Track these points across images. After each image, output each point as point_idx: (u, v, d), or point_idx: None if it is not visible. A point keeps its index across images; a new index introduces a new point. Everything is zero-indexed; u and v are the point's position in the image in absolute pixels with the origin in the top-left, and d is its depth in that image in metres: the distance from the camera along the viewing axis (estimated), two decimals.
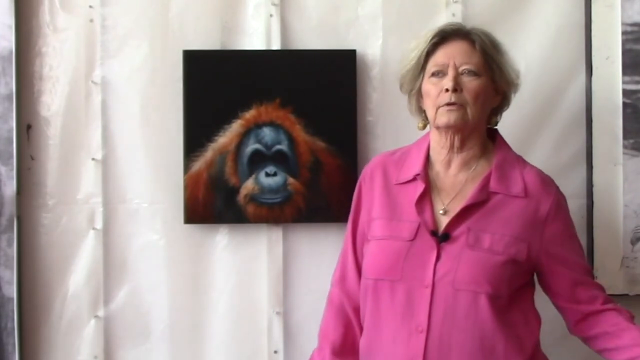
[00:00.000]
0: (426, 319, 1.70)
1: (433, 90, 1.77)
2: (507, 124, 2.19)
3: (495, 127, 1.89)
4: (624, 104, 2.21)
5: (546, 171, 2.21)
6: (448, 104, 1.74)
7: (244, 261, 2.25)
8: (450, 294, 1.69)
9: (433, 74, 1.78)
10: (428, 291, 1.71)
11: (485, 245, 1.72)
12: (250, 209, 2.20)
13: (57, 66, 2.24)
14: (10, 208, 2.18)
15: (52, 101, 2.24)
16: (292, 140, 2.20)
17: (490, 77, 1.78)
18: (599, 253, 2.21)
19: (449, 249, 1.73)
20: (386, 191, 1.85)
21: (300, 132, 2.20)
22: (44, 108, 2.24)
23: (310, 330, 2.21)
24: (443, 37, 1.80)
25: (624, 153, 2.21)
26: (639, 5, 2.21)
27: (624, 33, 2.21)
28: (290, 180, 2.20)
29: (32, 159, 2.24)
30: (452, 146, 1.80)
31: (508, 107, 1.90)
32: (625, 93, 2.21)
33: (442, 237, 1.74)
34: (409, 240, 1.76)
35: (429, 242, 1.74)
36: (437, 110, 1.77)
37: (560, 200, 1.80)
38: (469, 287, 1.69)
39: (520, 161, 1.84)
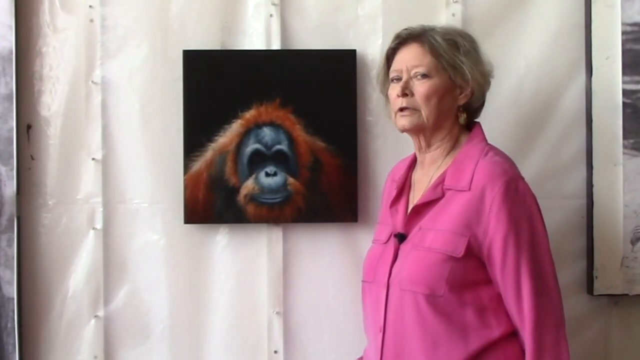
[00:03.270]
0: (382, 319, 1.75)
1: (392, 95, 1.83)
2: (507, 124, 2.21)
3: (477, 121, 1.86)
4: (624, 104, 2.21)
5: (546, 171, 2.22)
6: (400, 109, 1.79)
7: (244, 261, 2.25)
8: (398, 294, 1.72)
9: (392, 80, 1.83)
10: (384, 292, 1.75)
11: (426, 244, 1.70)
12: (250, 209, 2.20)
13: (57, 66, 2.24)
14: (10, 208, 2.18)
15: (52, 101, 2.24)
16: (292, 140, 2.20)
17: (447, 77, 1.77)
18: (599, 253, 2.21)
19: (403, 250, 1.76)
20: (388, 196, 1.93)
21: (300, 132, 2.20)
22: (44, 108, 2.24)
23: (310, 330, 2.22)
24: (400, 42, 1.83)
25: (624, 153, 2.21)
26: (639, 5, 2.21)
27: (624, 33, 2.21)
28: (290, 180, 2.20)
29: (32, 159, 2.24)
30: (420, 147, 1.84)
31: (480, 103, 1.85)
32: (625, 93, 2.21)
33: (400, 238, 1.77)
34: (384, 243, 1.83)
35: (392, 243, 1.79)
36: (395, 114, 1.82)
37: (506, 194, 1.65)
38: (410, 287, 1.69)
39: (484, 153, 1.74)
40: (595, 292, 2.22)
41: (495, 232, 1.64)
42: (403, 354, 1.71)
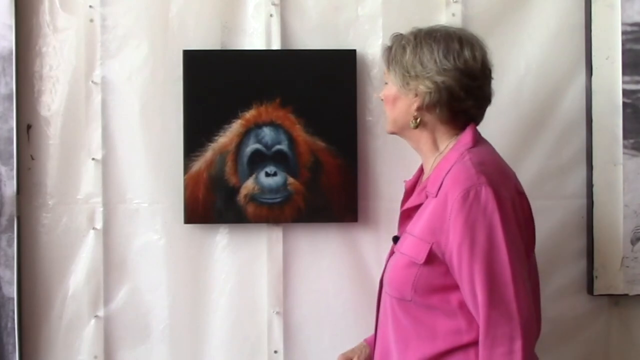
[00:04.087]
0: (375, 319, 1.83)
1: None
2: (507, 124, 2.21)
3: (472, 124, 1.75)
4: (624, 104, 2.21)
5: (546, 171, 2.22)
6: None
7: (244, 261, 2.25)
8: (384, 297, 1.77)
9: None
10: (379, 293, 1.82)
11: (402, 249, 1.71)
12: (250, 208, 2.20)
13: (57, 66, 2.24)
14: (10, 208, 2.18)
15: (52, 101, 2.24)
16: (292, 140, 2.20)
17: (400, 83, 1.74)
18: (599, 253, 2.21)
19: (394, 253, 1.77)
20: None
21: (300, 132, 2.20)
22: (44, 108, 2.24)
23: (310, 330, 2.22)
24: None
25: (624, 153, 2.21)
26: (639, 5, 2.21)
27: (624, 33, 2.21)
28: (290, 180, 2.20)
29: (32, 159, 2.24)
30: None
31: (447, 101, 1.71)
32: (625, 93, 2.21)
33: (394, 241, 1.80)
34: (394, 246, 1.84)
35: (393, 246, 1.81)
36: None
37: (463, 202, 1.59)
38: (388, 290, 1.74)
39: (461, 157, 1.67)
40: (595, 292, 2.22)
41: (452, 240, 1.60)
42: (385, 351, 1.76)
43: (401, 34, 1.79)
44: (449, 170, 1.65)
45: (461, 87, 1.70)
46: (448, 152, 1.72)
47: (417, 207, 1.74)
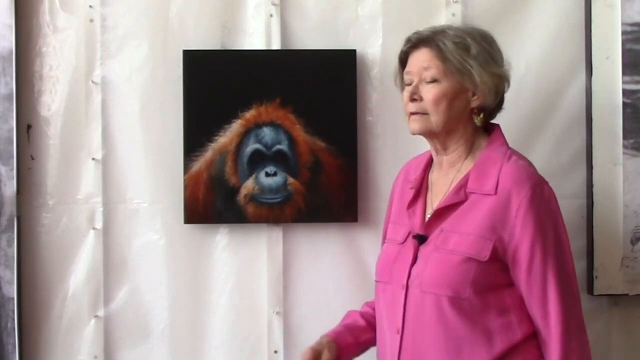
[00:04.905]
0: (401, 321, 1.73)
1: (404, 99, 1.81)
2: (507, 124, 2.19)
3: (496, 123, 1.83)
4: (624, 104, 2.21)
5: (546, 171, 2.20)
6: (411, 113, 1.78)
7: (244, 261, 2.25)
8: (419, 296, 1.71)
9: (406, 83, 1.81)
10: (403, 293, 1.74)
11: (449, 247, 1.69)
12: (250, 208, 2.20)
13: (57, 66, 2.24)
14: (10, 208, 2.18)
15: (52, 101, 2.24)
16: (292, 140, 2.20)
17: (456, 80, 1.74)
18: (599, 253, 2.21)
19: (424, 252, 1.74)
20: (401, 195, 1.90)
21: (300, 132, 2.20)
22: (44, 108, 2.24)
23: (310, 330, 2.21)
24: (410, 46, 1.81)
25: (624, 153, 2.21)
26: (639, 5, 2.21)
27: (624, 33, 2.21)
28: (290, 180, 2.20)
29: (32, 159, 2.24)
30: (437, 149, 1.82)
31: (496, 104, 1.80)
32: (625, 93, 2.21)
33: (420, 240, 1.76)
34: (400, 244, 1.80)
35: (411, 244, 1.77)
36: (408, 117, 1.81)
37: (532, 199, 1.66)
38: (432, 289, 1.69)
39: (507, 157, 1.74)
40: (595, 292, 2.22)
41: (521, 237, 1.65)
42: (421, 356, 1.70)
43: (442, 29, 1.79)
44: (500, 169, 1.70)
45: (504, 90, 1.81)
46: (483, 151, 1.76)
47: (452, 206, 1.73)
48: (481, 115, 1.78)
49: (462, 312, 1.66)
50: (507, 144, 1.78)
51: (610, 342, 2.26)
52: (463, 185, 1.74)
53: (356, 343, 1.90)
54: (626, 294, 2.22)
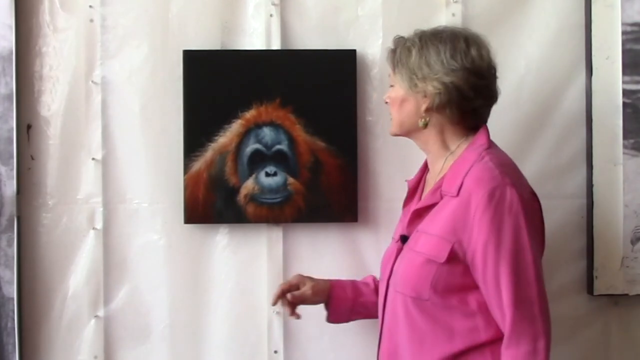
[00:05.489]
0: (381, 318, 1.82)
1: None
2: (507, 124, 2.21)
3: (484, 124, 1.78)
4: (624, 104, 2.21)
5: (546, 171, 2.22)
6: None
7: (244, 261, 2.25)
8: (393, 294, 1.76)
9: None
10: (384, 289, 1.80)
11: (417, 247, 1.70)
12: (250, 208, 2.20)
13: (57, 66, 2.24)
14: (10, 208, 2.18)
15: (52, 101, 2.24)
16: (292, 140, 2.20)
17: (407, 84, 1.75)
18: (599, 253, 2.21)
19: (403, 252, 1.77)
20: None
21: (300, 132, 2.20)
22: (44, 108, 2.24)
23: (310, 330, 2.22)
24: (391, 50, 1.83)
25: (624, 153, 2.21)
26: (639, 5, 2.21)
27: (624, 33, 2.21)
28: (290, 180, 2.20)
29: (32, 159, 2.24)
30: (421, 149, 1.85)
31: (457, 101, 1.72)
32: (625, 93, 2.21)
33: (402, 240, 1.79)
34: (396, 242, 1.84)
35: (398, 244, 1.81)
36: None
37: (489, 201, 1.61)
38: (401, 289, 1.72)
39: (480, 158, 1.69)
40: (595, 292, 2.22)
41: (477, 239, 1.62)
42: (397, 353, 1.74)
43: (404, 37, 1.80)
44: (468, 170, 1.67)
45: (470, 86, 1.72)
46: (462, 152, 1.74)
47: (429, 207, 1.74)
48: (426, 118, 1.75)
49: (425, 312, 1.68)
50: (488, 144, 1.73)
51: (610, 342, 2.26)
52: (439, 186, 1.74)
53: (353, 299, 1.96)
54: (626, 294, 2.22)
